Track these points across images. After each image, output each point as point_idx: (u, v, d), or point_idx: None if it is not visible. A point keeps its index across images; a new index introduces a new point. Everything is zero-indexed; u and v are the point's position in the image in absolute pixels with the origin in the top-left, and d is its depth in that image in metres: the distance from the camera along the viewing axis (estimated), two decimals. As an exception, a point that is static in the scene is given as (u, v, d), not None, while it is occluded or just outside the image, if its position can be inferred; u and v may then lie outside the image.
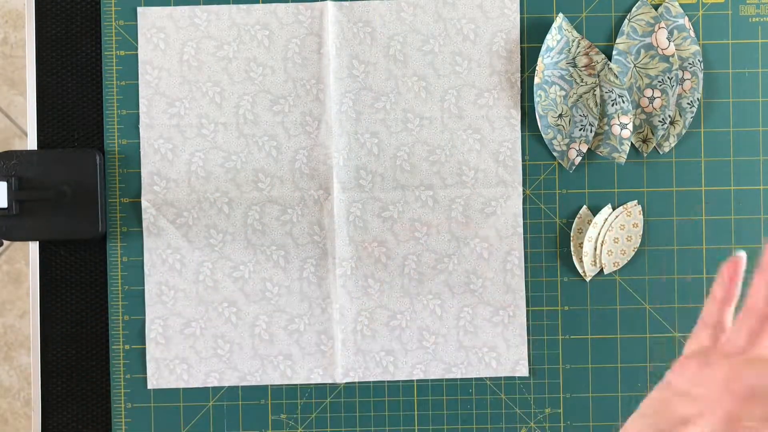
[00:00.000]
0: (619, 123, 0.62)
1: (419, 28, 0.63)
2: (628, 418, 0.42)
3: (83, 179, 0.62)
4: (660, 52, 0.63)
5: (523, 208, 0.63)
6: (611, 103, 0.62)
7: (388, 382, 0.63)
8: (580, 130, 0.63)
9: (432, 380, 0.63)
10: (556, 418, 0.64)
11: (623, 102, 0.62)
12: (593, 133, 0.63)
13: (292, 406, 0.63)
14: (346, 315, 0.63)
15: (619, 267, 0.63)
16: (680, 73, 0.63)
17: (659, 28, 0.63)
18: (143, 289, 0.63)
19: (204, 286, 0.63)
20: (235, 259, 0.63)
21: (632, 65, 0.63)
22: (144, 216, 0.63)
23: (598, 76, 0.63)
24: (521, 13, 0.63)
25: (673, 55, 0.62)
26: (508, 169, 0.63)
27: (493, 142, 0.63)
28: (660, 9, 0.63)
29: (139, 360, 0.63)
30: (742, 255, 0.43)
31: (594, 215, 0.63)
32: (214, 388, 0.63)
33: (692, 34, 0.63)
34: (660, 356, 0.63)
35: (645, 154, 0.64)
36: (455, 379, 0.63)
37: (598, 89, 0.63)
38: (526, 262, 0.63)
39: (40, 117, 0.64)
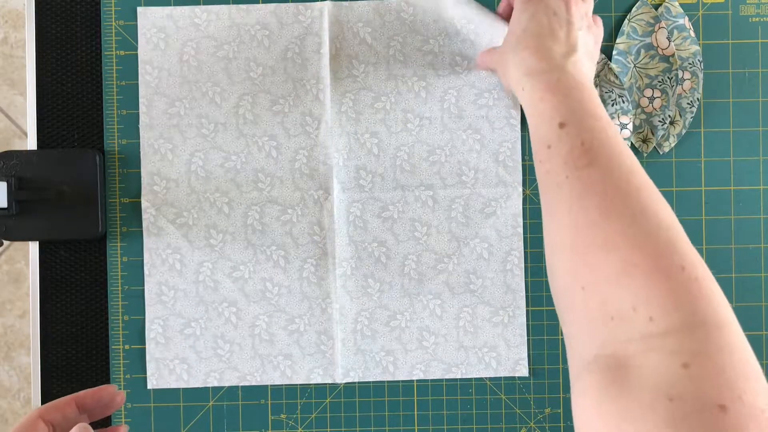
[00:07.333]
0: (619, 123, 0.62)
1: (419, 28, 0.63)
2: None
3: (83, 179, 0.62)
4: (660, 52, 0.63)
5: (523, 208, 0.63)
6: (611, 103, 0.62)
7: (388, 382, 0.63)
8: (580, 130, 0.63)
9: (432, 380, 0.63)
10: (556, 418, 0.64)
11: (623, 102, 0.62)
12: (593, 133, 0.63)
13: (292, 406, 0.63)
14: (346, 315, 0.63)
15: (619, 267, 0.63)
16: (680, 73, 0.63)
17: (659, 28, 0.62)
18: (143, 289, 0.63)
19: (204, 286, 0.63)
20: (235, 259, 0.63)
21: (632, 65, 0.63)
22: (144, 216, 0.63)
23: (598, 76, 0.63)
24: (521, 13, 0.63)
25: (673, 55, 0.62)
26: (508, 169, 0.63)
27: (493, 142, 0.63)
28: (660, 9, 0.63)
29: (139, 360, 0.63)
30: None
31: (594, 215, 0.63)
32: (214, 388, 0.63)
33: (692, 34, 0.63)
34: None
35: (645, 154, 0.64)
36: (455, 379, 0.63)
37: (598, 89, 0.62)
38: (526, 262, 0.63)
39: (40, 117, 0.64)
